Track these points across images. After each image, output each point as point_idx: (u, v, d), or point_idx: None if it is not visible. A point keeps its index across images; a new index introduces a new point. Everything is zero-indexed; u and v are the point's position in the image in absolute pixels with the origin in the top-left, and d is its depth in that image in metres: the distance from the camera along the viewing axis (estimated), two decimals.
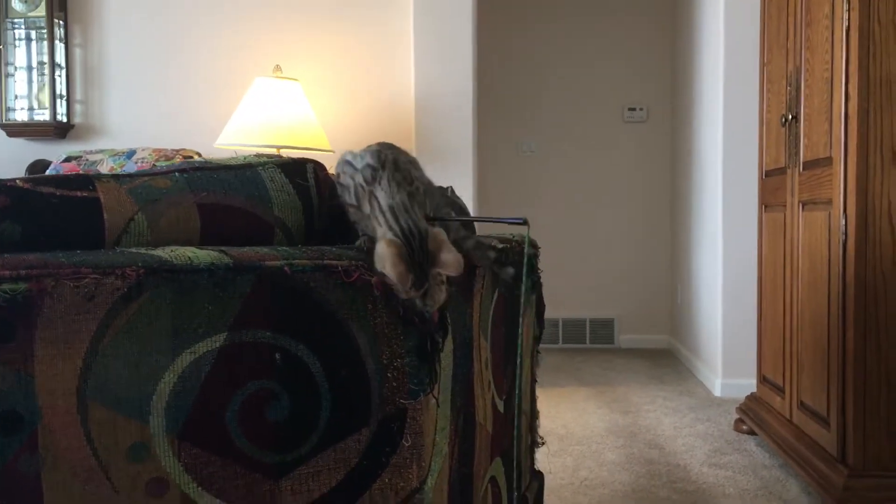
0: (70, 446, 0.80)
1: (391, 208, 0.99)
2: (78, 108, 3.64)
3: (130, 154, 3.29)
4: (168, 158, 3.28)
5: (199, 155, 3.36)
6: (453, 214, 1.22)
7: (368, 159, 1.03)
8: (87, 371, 0.81)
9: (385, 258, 0.94)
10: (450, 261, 0.99)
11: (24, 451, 0.79)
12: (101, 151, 3.30)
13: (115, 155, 3.27)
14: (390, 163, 1.03)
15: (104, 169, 3.20)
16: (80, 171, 3.15)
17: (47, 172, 3.18)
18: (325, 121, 3.53)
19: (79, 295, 0.80)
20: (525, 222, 1.04)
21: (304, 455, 0.93)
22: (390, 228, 0.97)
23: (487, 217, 1.07)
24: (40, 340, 0.79)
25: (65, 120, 3.60)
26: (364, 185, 1.00)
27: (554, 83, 4.95)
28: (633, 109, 4.90)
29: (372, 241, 1.01)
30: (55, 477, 0.80)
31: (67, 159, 3.22)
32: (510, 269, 1.28)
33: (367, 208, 1.00)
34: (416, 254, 0.96)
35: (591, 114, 4.94)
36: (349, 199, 1.03)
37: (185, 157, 3.29)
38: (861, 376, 1.98)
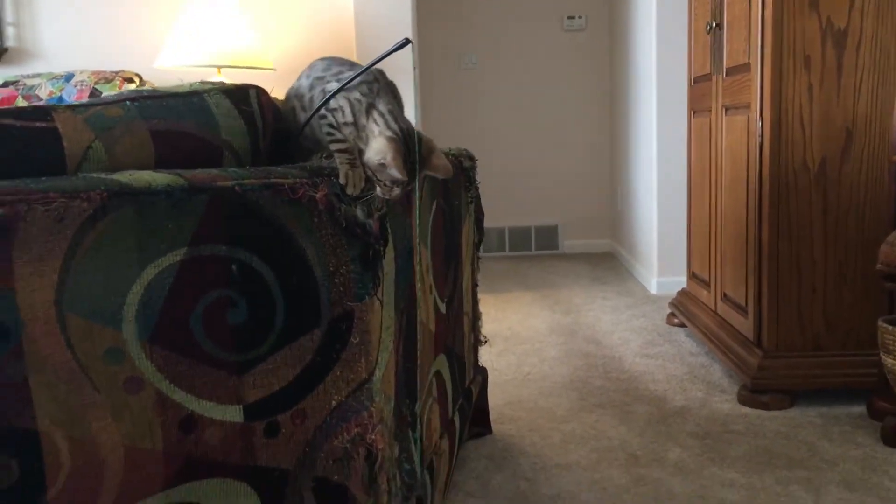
0: (53, 352, 0.90)
1: (390, 112, 1.10)
2: (10, 31, 3.57)
3: (69, 77, 3.26)
4: (108, 80, 3.27)
5: (139, 76, 3.35)
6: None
7: (362, 77, 1.14)
8: (62, 286, 0.90)
9: (387, 151, 1.05)
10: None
11: (10, 358, 0.88)
12: (39, 75, 3.27)
13: (53, 78, 3.24)
14: (381, 76, 1.16)
15: (43, 93, 3.18)
16: (19, 97, 3.13)
17: None
18: (264, 38, 3.52)
19: (49, 218, 0.89)
20: (408, 41, 1.14)
21: (263, 354, 1.05)
22: (388, 127, 1.08)
23: (373, 60, 1.17)
24: (17, 260, 0.88)
25: None
26: (362, 98, 1.10)
27: None
28: (573, 18, 4.94)
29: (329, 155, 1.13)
30: (41, 379, 0.90)
31: (5, 84, 3.18)
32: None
33: (363, 120, 1.09)
34: (411, 154, 1.09)
35: (530, 24, 4.97)
36: (343, 117, 1.11)
37: (124, 80, 3.28)
38: (774, 268, 2.16)
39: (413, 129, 1.11)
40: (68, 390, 0.92)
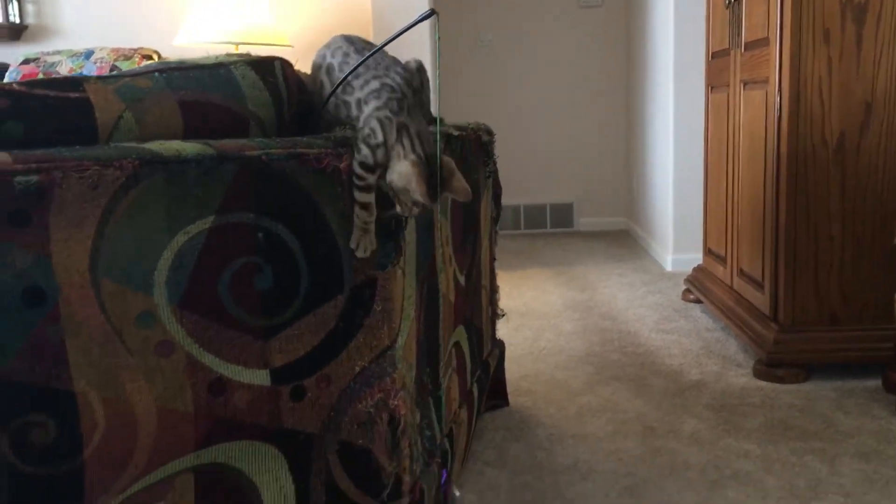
0: (87, 316, 0.93)
1: (418, 134, 1.10)
2: (30, 8, 3.60)
3: (88, 54, 3.29)
4: (127, 58, 3.29)
5: (158, 54, 3.37)
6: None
7: (395, 80, 1.12)
8: (96, 251, 0.93)
9: (412, 176, 1.06)
10: (460, 189, 1.14)
11: (48, 321, 0.91)
12: (59, 52, 3.30)
13: (73, 56, 3.27)
14: (409, 88, 1.14)
15: (63, 70, 3.21)
16: (40, 73, 3.16)
17: (6, 75, 3.19)
18: (281, 15, 3.53)
19: (84, 185, 0.91)
20: (434, 12, 1.12)
21: (288, 319, 1.08)
22: (413, 151, 1.08)
23: (397, 33, 1.15)
24: (53, 226, 0.90)
25: (17, 21, 3.56)
26: (392, 116, 1.09)
27: None
28: None
29: (353, 128, 1.14)
30: (77, 342, 0.93)
31: (25, 61, 3.21)
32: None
33: (392, 139, 1.08)
34: (433, 177, 1.09)
35: (546, 0, 4.95)
36: (375, 140, 1.08)
37: (143, 57, 3.31)
38: (791, 243, 2.17)
39: (436, 151, 1.11)
40: (103, 353, 0.95)
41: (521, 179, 4.99)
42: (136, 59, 3.28)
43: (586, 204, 5.11)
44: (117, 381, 0.96)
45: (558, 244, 4.61)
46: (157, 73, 1.09)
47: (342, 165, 1.09)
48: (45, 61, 3.22)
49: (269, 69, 1.17)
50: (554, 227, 5.11)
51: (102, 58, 3.25)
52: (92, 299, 0.93)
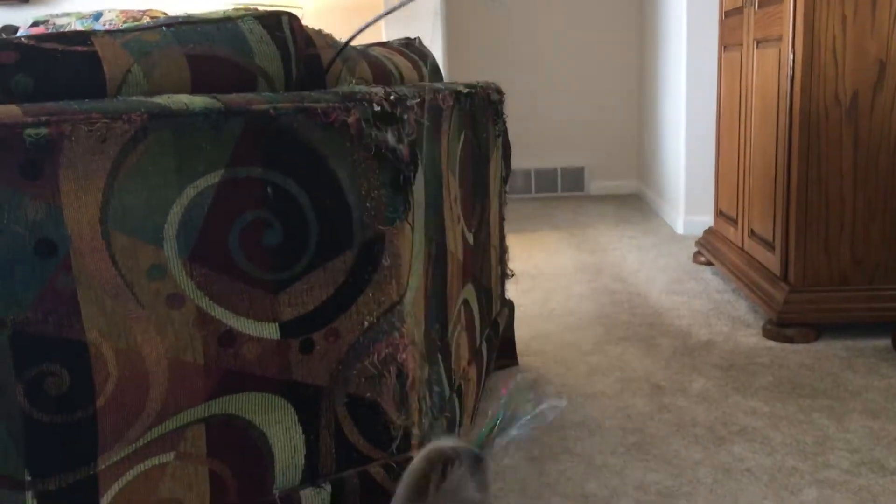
0: (98, 268, 0.94)
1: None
2: None
3: (97, 16, 3.28)
4: (135, 19, 3.28)
5: (166, 15, 3.36)
6: None
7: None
8: (106, 204, 0.94)
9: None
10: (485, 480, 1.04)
11: (60, 273, 0.92)
12: (68, 14, 3.28)
13: (81, 17, 3.26)
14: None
15: None
16: None
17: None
18: None
19: (92, 138, 0.92)
20: None
21: (297, 274, 1.08)
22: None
23: (392, 8, 1.10)
24: (64, 178, 0.91)
25: None
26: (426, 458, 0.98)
27: None
28: None
29: None
30: (89, 294, 0.94)
31: (35, 23, 3.21)
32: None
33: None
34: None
35: None
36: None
37: (152, 18, 3.29)
38: (803, 203, 2.16)
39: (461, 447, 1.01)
40: (114, 304, 0.96)
41: (533, 143, 4.97)
42: (145, 21, 3.27)
43: (598, 167, 5.08)
44: (129, 332, 0.97)
45: (569, 207, 4.60)
46: (164, 28, 1.09)
47: (350, 120, 1.09)
48: (54, 23, 3.21)
49: (277, 24, 1.16)
50: (565, 190, 5.09)
51: (111, 20, 3.24)
52: (103, 251, 0.94)
